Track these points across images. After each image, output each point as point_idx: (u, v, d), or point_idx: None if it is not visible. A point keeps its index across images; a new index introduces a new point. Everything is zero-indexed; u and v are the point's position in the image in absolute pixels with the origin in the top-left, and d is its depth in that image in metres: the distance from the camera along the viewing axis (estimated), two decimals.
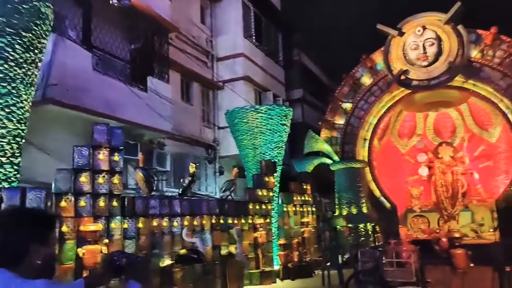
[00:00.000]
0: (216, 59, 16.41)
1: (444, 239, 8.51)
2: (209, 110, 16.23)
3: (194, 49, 15.26)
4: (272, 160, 12.38)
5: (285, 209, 13.20)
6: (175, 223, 8.79)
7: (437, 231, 14.93)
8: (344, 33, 19.63)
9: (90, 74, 9.96)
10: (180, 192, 9.99)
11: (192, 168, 9.78)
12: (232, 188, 11.15)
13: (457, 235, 8.72)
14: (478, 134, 16.35)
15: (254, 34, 17.19)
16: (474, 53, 14.02)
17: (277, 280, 11.42)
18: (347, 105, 16.04)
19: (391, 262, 9.04)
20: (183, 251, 8.50)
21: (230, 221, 10.07)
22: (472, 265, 7.97)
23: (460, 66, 13.87)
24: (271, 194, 12.01)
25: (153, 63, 12.32)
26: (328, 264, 10.91)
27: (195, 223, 9.21)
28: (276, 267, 11.77)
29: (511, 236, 13.85)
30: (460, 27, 13.87)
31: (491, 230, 14.65)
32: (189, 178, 9.82)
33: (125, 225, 7.75)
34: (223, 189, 11.27)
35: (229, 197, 10.97)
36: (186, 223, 8.97)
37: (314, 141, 15.99)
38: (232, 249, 9.65)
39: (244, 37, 16.49)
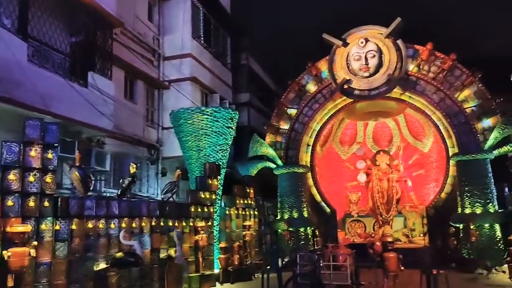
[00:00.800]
0: (163, 58, 16.08)
1: (378, 243, 8.88)
2: (153, 109, 15.85)
3: (140, 47, 14.85)
4: (216, 163, 12.31)
5: (227, 212, 13.17)
6: (112, 225, 8.46)
7: (373, 235, 15.61)
8: (292, 40, 20.02)
9: (25, 65, 9.36)
10: (119, 193, 9.64)
11: (132, 169, 9.48)
12: (174, 190, 10.95)
13: (390, 239, 9.13)
14: (412, 144, 17.31)
15: (202, 35, 17.04)
16: (411, 67, 14.82)
17: (217, 283, 11.35)
18: (292, 111, 16.34)
19: (328, 265, 9.32)
20: (119, 254, 8.19)
21: (170, 223, 9.87)
22: (402, 268, 8.37)
23: (398, 78, 14.60)
24: (214, 196, 11.93)
25: (95, 58, 11.82)
26: (268, 267, 11.02)
27: (133, 225, 8.93)
28: (216, 270, 11.69)
29: (438, 241, 14.83)
30: (399, 42, 14.61)
31: (421, 235, 15.54)
32: (129, 179, 9.51)
33: (57, 227, 7.35)
34: (165, 190, 11.04)
35: (171, 199, 10.75)
36: (124, 225, 8.67)
37: (258, 145, 16.12)
38: (172, 252, 9.45)
39: (192, 37, 16.30)
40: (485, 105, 14.01)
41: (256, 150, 16.12)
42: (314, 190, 16.68)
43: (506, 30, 14.65)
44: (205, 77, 17.10)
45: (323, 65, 15.93)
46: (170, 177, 14.29)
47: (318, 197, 16.66)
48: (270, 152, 16.14)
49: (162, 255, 9.42)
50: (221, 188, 12.60)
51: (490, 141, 13.73)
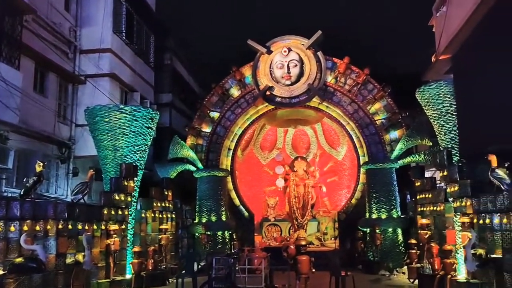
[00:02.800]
0: (80, 51, 15.12)
1: (292, 247, 9.15)
2: (66, 105, 14.83)
3: (54, 37, 13.84)
4: (134, 164, 11.84)
5: (143, 215, 12.74)
6: (12, 228, 7.75)
7: (288, 239, 16.08)
8: (217, 44, 20.04)
9: None
10: (22, 193, 8.85)
11: (38, 167, 8.76)
12: (86, 191, 10.29)
13: (303, 242, 9.49)
14: (328, 152, 18.18)
15: (124, 31, 16.33)
16: (329, 79, 15.59)
17: None
18: (215, 114, 16.33)
19: (243, 269, 9.41)
20: (19, 260, 7.52)
21: (80, 226, 9.27)
22: (314, 270, 8.70)
23: (317, 88, 15.27)
24: (129, 199, 11.46)
25: (1, 45, 10.80)
26: (183, 271, 10.82)
27: (37, 228, 8.25)
28: (128, 276, 11.22)
29: (347, 244, 15.68)
30: (319, 54, 15.31)
31: (333, 238, 16.36)
32: (34, 178, 8.76)
33: None
34: (75, 191, 10.32)
35: (81, 200, 10.11)
36: (25, 228, 7.98)
37: (179, 147, 15.85)
38: (80, 257, 8.89)
39: (113, 32, 15.56)
40: (393, 118, 15.17)
41: (177, 152, 15.84)
42: (233, 194, 16.78)
43: (413, 48, 16.00)
44: (125, 74, 16.43)
45: (247, 71, 16.15)
46: (82, 177, 13.44)
47: (237, 201, 16.78)
48: (191, 154, 15.95)
49: (69, 260, 8.81)
50: (138, 190, 12.15)
51: (396, 152, 14.88)
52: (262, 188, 17.96)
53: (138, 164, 12.03)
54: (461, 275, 9.78)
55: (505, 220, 7.85)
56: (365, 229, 15.00)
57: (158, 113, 12.82)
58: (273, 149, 18.67)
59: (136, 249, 11.63)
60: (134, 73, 17.19)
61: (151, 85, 18.79)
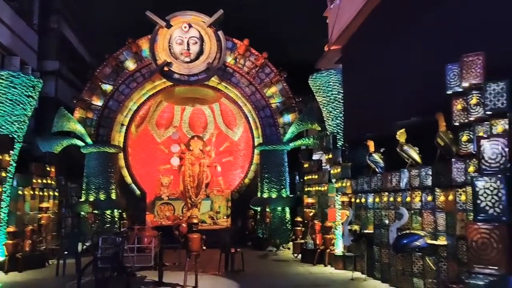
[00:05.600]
0: None
1: (184, 225, 9.10)
2: None
3: None
4: (10, 136, 10.67)
5: (20, 192, 11.60)
6: None
7: (181, 217, 16.02)
8: (113, 11, 18.71)
9: None
10: None
11: None
12: None
13: (195, 221, 9.47)
14: (224, 132, 18.36)
15: None
16: (229, 59, 15.64)
17: (1, 272, 9.93)
18: (107, 87, 15.38)
19: (132, 248, 9.14)
20: None
21: None
22: (204, 248, 8.80)
23: (216, 68, 15.23)
24: (3, 174, 10.34)
25: None
26: (66, 252, 10.15)
27: None
28: (1, 258, 10.20)
29: (239, 222, 16.18)
30: (220, 33, 15.23)
31: (225, 217, 16.73)
32: None
33: None
34: None
35: None
36: None
37: (65, 119, 14.66)
38: None
39: None
40: (287, 103, 15.82)
41: (62, 125, 14.62)
42: (125, 172, 16.10)
43: (310, 37, 16.74)
44: (2, 35, 14.59)
45: (144, 44, 15.44)
46: None
47: (129, 179, 16.15)
48: (79, 128, 14.87)
49: None
50: (14, 165, 11.00)
51: (288, 135, 15.60)
52: (156, 166, 17.54)
53: (15, 136, 10.87)
54: (339, 249, 10.73)
55: (377, 200, 8.77)
56: (256, 208, 15.57)
57: (41, 81, 11.65)
58: (169, 127, 18.27)
59: (11, 229, 10.59)
60: (14, 34, 15.33)
61: (34, 50, 16.96)
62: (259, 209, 15.40)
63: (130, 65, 15.50)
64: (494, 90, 5.40)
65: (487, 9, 6.35)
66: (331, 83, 11.67)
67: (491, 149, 4.40)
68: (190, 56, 15.05)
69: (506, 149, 4.28)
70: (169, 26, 15.01)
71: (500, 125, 5.35)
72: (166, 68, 15.09)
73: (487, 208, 4.15)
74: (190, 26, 14.94)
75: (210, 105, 18.09)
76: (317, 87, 11.97)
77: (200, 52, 15.12)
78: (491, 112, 5.42)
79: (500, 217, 4.03)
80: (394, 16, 8.93)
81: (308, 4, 16.12)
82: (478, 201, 4.22)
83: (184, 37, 14.93)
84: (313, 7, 15.02)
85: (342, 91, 11.56)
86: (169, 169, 17.41)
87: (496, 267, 3.81)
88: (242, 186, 16.85)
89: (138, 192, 16.10)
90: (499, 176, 4.15)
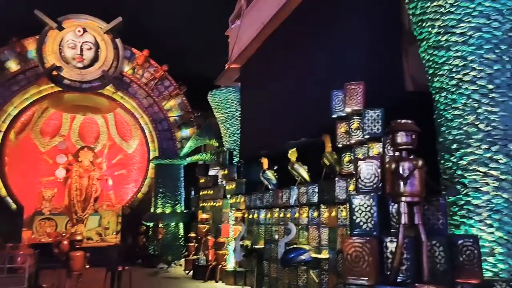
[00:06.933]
0: None
1: (65, 242, 8.40)
2: None
3: None
4: None
5: None
6: None
7: (63, 234, 14.75)
8: None
9: None
10: None
11: None
12: None
13: (79, 237, 8.79)
14: (118, 144, 17.54)
15: None
16: (127, 69, 15.10)
17: None
18: None
19: (3, 268, 8.21)
20: None
21: None
22: (88, 266, 8.21)
23: (112, 76, 14.57)
24: None
25: None
26: None
27: None
28: None
29: (129, 239, 15.44)
30: (118, 41, 14.66)
31: (114, 233, 15.85)
32: None
33: None
34: None
35: None
36: None
37: None
38: None
39: None
40: (186, 117, 15.72)
41: None
42: None
43: (211, 54, 16.91)
44: None
45: (30, 44, 14.20)
46: None
47: (3, 191, 14.49)
48: None
49: None
50: None
51: (186, 149, 15.45)
52: (38, 178, 16.03)
53: None
54: (230, 264, 10.81)
55: (269, 215, 9.06)
56: (148, 224, 15.04)
57: None
58: (56, 135, 16.89)
59: None
60: None
61: None
62: (151, 224, 14.89)
63: (13, 66, 14.12)
64: (372, 117, 5.98)
65: (366, 43, 7.07)
66: (229, 100, 11.89)
67: (366, 169, 4.82)
68: (84, 62, 14.21)
69: (379, 170, 4.74)
70: (60, 28, 14.03)
71: (376, 148, 5.94)
72: (55, 72, 14.02)
73: (361, 223, 4.53)
74: (84, 30, 14.14)
75: (104, 114, 17.19)
76: (216, 103, 12.10)
77: (95, 59, 14.36)
78: (368, 136, 5.98)
79: (371, 232, 4.42)
80: (289, 43, 9.46)
81: (212, 21, 16.33)
82: (354, 217, 4.58)
83: (77, 41, 14.07)
84: (216, 24, 15.25)
85: (240, 109, 11.84)
86: (53, 181, 16.03)
87: (366, 278, 4.16)
88: (135, 200, 16.18)
89: (14, 205, 14.50)
90: (372, 194, 4.58)
